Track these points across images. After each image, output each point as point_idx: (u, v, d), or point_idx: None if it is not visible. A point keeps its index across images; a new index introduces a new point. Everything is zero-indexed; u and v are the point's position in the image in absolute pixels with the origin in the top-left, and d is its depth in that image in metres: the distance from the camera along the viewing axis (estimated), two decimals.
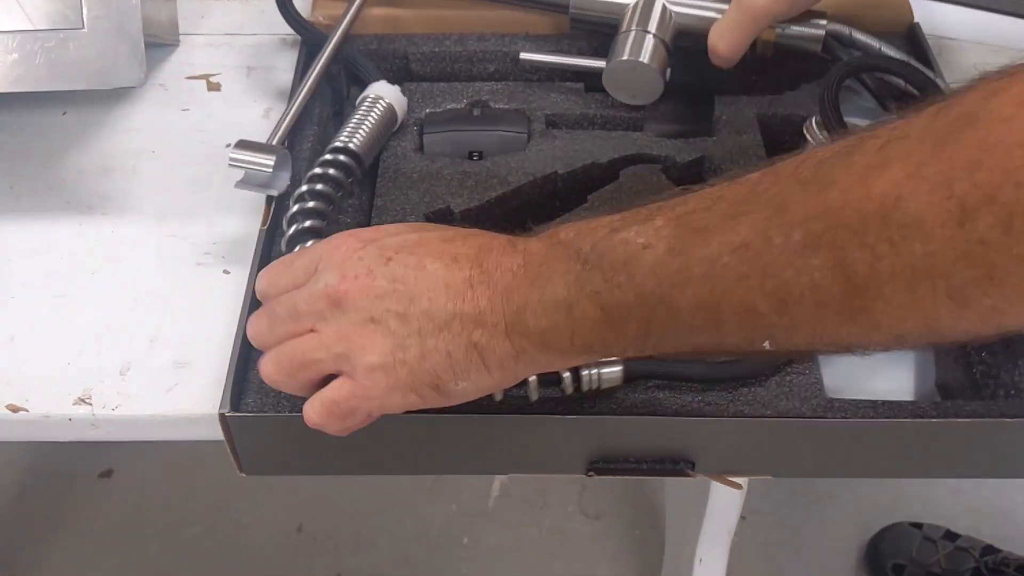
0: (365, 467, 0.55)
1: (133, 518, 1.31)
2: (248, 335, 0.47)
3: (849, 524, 1.30)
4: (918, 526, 1.26)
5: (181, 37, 0.77)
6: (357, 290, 0.42)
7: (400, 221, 0.60)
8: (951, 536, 1.25)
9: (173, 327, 0.57)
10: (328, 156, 0.60)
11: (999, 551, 1.21)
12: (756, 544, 1.28)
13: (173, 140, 0.69)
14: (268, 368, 0.46)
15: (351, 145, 0.61)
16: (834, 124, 0.59)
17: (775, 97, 0.68)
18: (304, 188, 0.58)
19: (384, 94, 0.65)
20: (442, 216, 0.61)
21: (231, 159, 0.60)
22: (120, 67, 0.61)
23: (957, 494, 1.32)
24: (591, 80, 0.70)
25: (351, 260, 0.43)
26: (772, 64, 0.71)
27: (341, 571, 1.27)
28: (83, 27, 0.60)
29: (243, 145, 0.60)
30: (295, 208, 0.57)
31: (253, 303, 0.55)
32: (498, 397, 0.49)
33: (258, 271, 0.57)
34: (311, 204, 0.57)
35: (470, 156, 0.65)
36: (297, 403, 0.51)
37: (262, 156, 0.59)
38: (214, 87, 0.74)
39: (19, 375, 0.55)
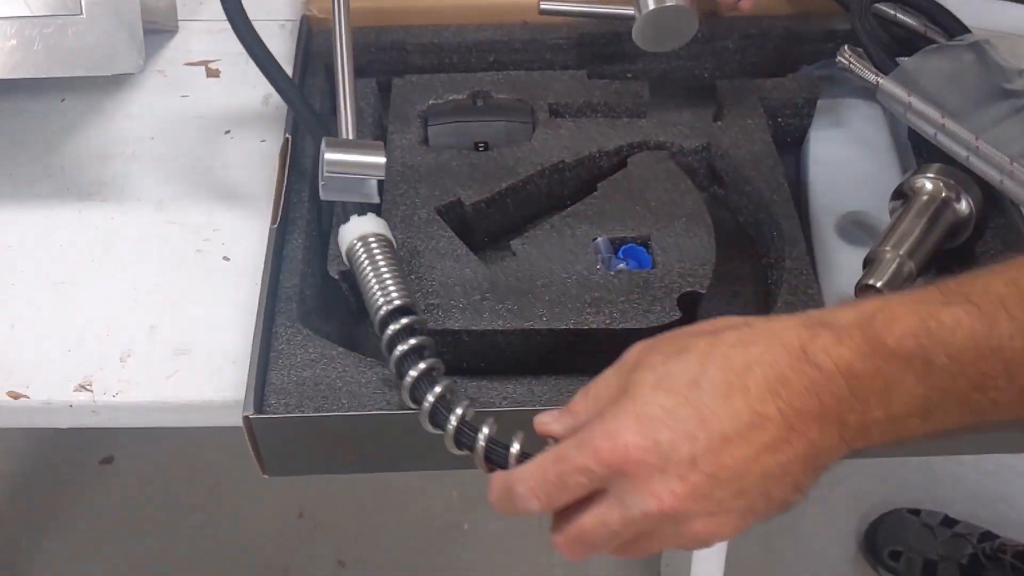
0: (383, 465, 0.55)
1: (134, 504, 1.32)
2: (566, 556, 0.43)
3: (847, 511, 1.30)
4: (916, 512, 1.26)
5: (180, 23, 0.77)
6: (682, 504, 0.39)
7: (411, 215, 0.58)
8: (949, 522, 1.24)
9: (173, 314, 0.57)
10: (391, 323, 0.48)
11: (997, 537, 1.21)
12: (754, 531, 1.27)
13: (172, 127, 0.69)
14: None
15: (396, 302, 0.48)
16: (871, 46, 0.60)
17: (777, 80, 0.68)
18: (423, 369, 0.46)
19: (366, 230, 0.51)
20: (453, 209, 0.60)
21: (328, 164, 0.49)
22: (119, 53, 0.61)
23: (955, 480, 1.32)
24: (593, 67, 0.70)
25: (653, 476, 0.39)
26: (773, 48, 0.71)
27: (342, 557, 1.27)
28: (81, 13, 0.60)
29: (336, 145, 0.49)
30: (441, 396, 0.46)
31: (270, 305, 0.54)
32: None
33: (271, 270, 0.55)
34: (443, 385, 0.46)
35: (475, 147, 0.65)
36: (320, 405, 0.50)
37: (370, 156, 0.48)
38: (213, 73, 0.73)
39: (20, 362, 0.55)
